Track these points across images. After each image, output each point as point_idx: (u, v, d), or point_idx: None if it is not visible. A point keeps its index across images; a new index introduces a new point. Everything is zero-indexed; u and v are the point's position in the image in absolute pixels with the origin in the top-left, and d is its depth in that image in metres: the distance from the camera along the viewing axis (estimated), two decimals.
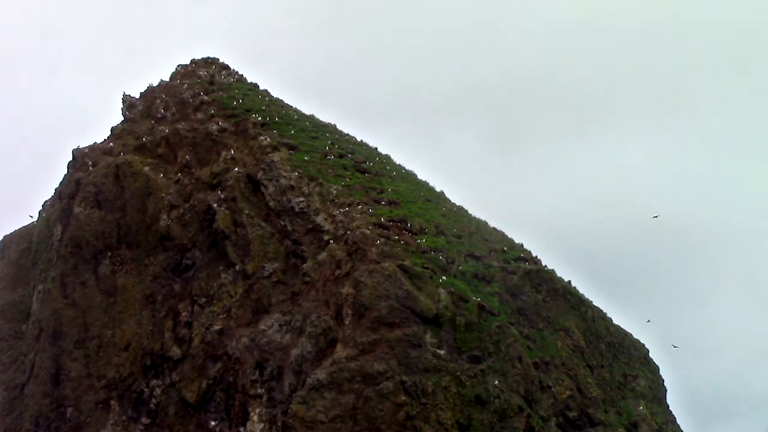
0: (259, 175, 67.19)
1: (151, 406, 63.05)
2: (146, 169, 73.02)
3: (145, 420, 63.02)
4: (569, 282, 69.32)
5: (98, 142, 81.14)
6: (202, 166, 72.58)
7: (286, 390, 54.27)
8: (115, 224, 71.29)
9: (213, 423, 58.49)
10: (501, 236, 73.42)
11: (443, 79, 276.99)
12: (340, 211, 62.26)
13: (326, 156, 72.36)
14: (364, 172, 72.07)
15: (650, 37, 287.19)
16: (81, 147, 79.92)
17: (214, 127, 75.15)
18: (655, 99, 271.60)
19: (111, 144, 78.91)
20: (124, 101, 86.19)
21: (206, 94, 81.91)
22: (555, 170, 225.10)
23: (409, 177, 79.00)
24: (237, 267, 63.39)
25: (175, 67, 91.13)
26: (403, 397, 49.46)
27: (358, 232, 58.23)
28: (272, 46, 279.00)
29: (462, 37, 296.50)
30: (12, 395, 71.03)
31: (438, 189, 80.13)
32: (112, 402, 64.75)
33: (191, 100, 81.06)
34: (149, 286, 67.49)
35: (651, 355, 75.35)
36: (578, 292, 69.64)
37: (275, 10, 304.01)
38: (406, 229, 61.92)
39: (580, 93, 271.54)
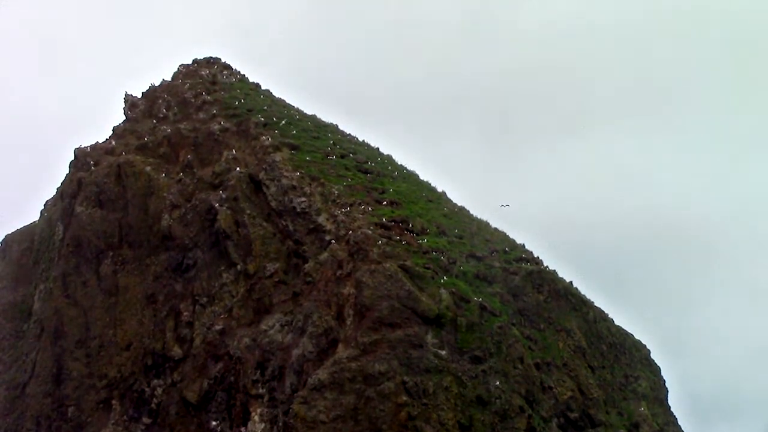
0: (261, 175, 67.16)
1: (152, 405, 63.03)
2: (148, 168, 73.00)
3: (146, 420, 63.00)
4: (570, 282, 69.26)
5: (100, 141, 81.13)
6: (204, 165, 72.56)
7: (287, 390, 54.25)
8: (117, 224, 71.29)
9: (214, 423, 58.43)
10: (502, 237, 73.32)
11: (443, 80, 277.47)
12: (341, 212, 62.21)
13: (328, 156, 72.29)
14: (365, 172, 72.01)
15: (649, 36, 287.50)
16: (83, 146, 79.89)
17: (216, 126, 75.15)
18: (654, 98, 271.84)
19: (113, 143, 78.92)
20: (126, 101, 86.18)
21: (208, 93, 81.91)
22: (555, 170, 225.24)
23: (410, 177, 78.92)
24: (238, 267, 63.36)
25: (177, 66, 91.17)
26: (405, 398, 49.41)
27: (359, 233, 58.19)
28: (273, 47, 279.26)
29: (461, 36, 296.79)
30: (13, 394, 71.06)
31: (440, 189, 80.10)
32: (114, 401, 64.76)
33: (193, 100, 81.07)
34: (151, 285, 67.47)
35: (652, 356, 75.40)
36: (579, 292, 69.57)
37: (275, 11, 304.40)
38: (407, 230, 61.88)
39: (580, 92, 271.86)
